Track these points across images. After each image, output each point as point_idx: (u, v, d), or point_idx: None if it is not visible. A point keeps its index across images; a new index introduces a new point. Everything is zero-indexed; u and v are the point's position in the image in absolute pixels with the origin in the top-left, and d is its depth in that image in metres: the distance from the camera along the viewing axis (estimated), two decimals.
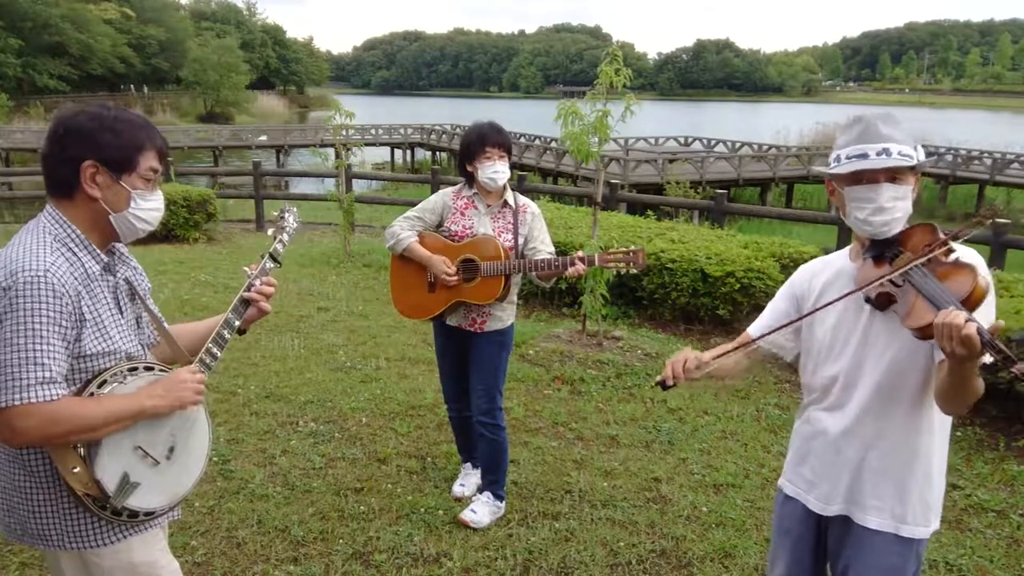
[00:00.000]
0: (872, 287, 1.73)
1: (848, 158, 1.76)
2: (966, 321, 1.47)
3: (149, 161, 1.69)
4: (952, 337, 1.48)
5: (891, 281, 1.69)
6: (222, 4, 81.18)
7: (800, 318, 1.91)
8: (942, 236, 1.70)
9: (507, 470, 3.56)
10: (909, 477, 1.82)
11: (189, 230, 10.55)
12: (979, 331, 1.45)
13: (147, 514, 1.69)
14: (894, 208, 1.75)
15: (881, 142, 1.73)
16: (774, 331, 1.95)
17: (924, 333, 1.58)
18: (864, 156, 1.74)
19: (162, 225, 10.02)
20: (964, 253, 1.69)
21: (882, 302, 1.74)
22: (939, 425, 1.83)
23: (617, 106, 5.51)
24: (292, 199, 15.09)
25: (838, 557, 1.95)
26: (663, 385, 1.89)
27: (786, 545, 2.05)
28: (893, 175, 1.74)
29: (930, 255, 1.65)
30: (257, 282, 1.91)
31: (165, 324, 1.94)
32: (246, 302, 1.89)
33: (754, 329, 2.08)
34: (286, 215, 2.13)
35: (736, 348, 1.96)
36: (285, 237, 2.07)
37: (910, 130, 1.78)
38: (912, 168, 1.75)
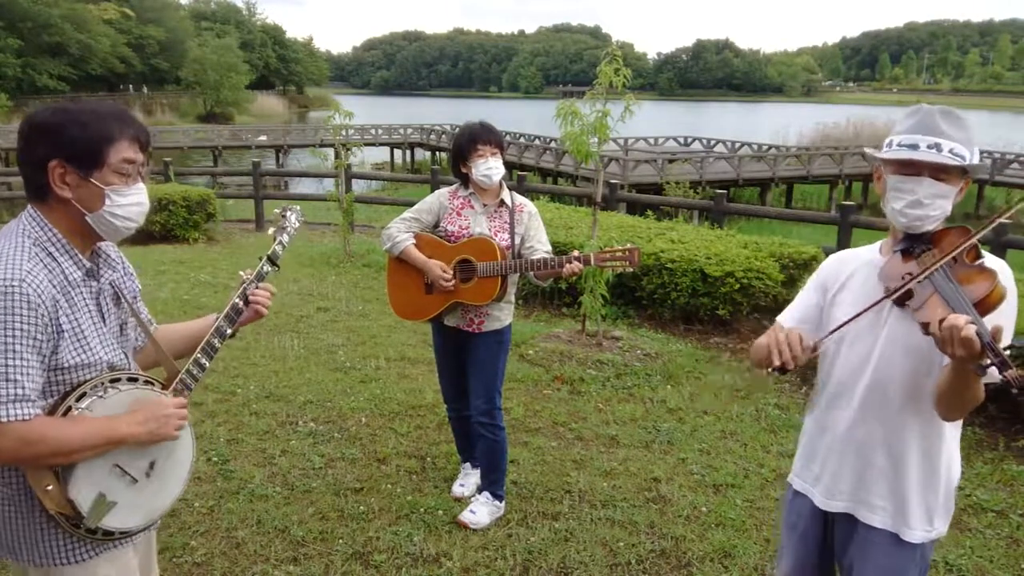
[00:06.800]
0: (896, 293, 1.70)
1: (899, 145, 1.72)
2: (967, 323, 1.46)
3: (122, 152, 1.56)
4: (953, 339, 1.48)
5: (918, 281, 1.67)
6: (222, 4, 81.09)
7: (836, 328, 1.83)
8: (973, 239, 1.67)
9: (506, 470, 3.55)
10: (915, 479, 1.81)
11: (188, 230, 10.55)
12: (979, 333, 1.45)
13: (122, 533, 1.63)
14: (932, 205, 1.71)
15: (935, 136, 1.68)
16: (838, 328, 1.84)
17: (928, 329, 1.57)
18: (914, 147, 1.69)
19: (161, 225, 10.20)
20: (991, 260, 1.68)
21: (900, 297, 1.73)
22: (950, 430, 1.81)
23: (617, 106, 5.51)
24: (292, 199, 15.07)
25: (843, 555, 1.95)
26: (783, 370, 1.78)
27: (793, 540, 2.04)
28: (938, 171, 1.69)
29: (954, 253, 1.63)
30: (253, 287, 1.86)
31: (155, 325, 1.88)
32: (239, 310, 1.83)
33: (786, 322, 2.03)
34: (288, 214, 2.07)
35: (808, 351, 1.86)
36: (285, 238, 2.02)
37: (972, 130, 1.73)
38: (963, 170, 1.70)
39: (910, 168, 1.72)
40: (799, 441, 2.09)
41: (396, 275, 3.41)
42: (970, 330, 1.45)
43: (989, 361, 1.45)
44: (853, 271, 1.91)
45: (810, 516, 1.99)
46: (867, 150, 1.87)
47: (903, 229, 1.78)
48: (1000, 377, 1.42)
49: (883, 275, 1.79)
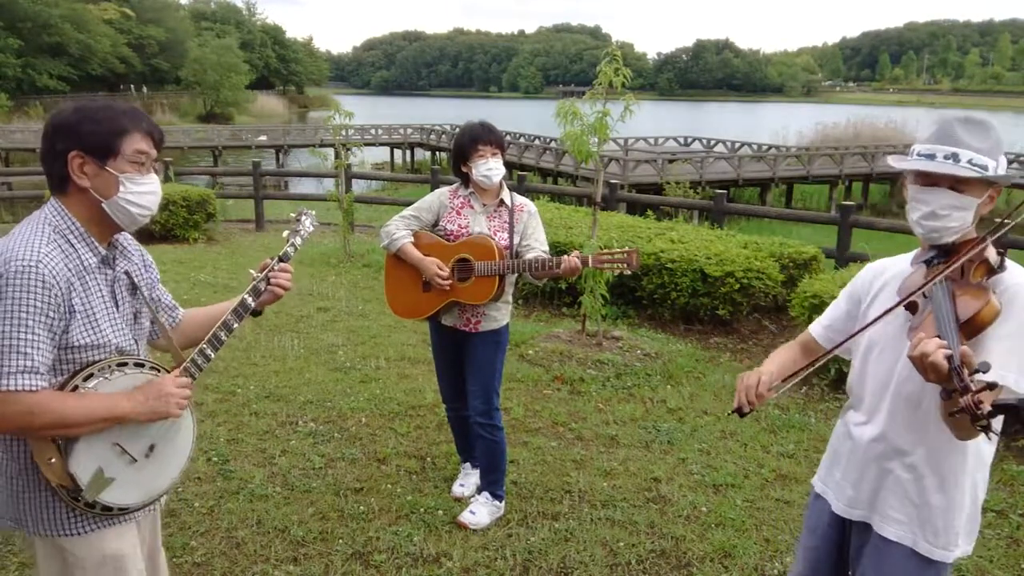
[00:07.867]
0: (907, 300, 1.70)
1: (918, 155, 1.70)
2: (937, 348, 1.44)
3: (135, 144, 1.68)
4: (923, 364, 1.46)
5: (923, 294, 1.65)
6: (222, 4, 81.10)
7: (858, 331, 1.85)
8: (993, 255, 1.63)
9: (506, 470, 3.55)
10: (935, 495, 1.77)
11: (189, 230, 10.55)
12: (949, 357, 1.42)
13: (120, 510, 1.72)
14: (948, 216, 1.67)
15: (953, 146, 1.65)
16: (845, 341, 1.90)
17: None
18: (931, 157, 1.67)
19: (161, 225, 10.20)
20: (1011, 275, 1.64)
21: (910, 308, 1.72)
22: (977, 447, 1.76)
23: (616, 106, 5.52)
24: (292, 199, 15.08)
25: (858, 564, 1.93)
26: (740, 413, 1.87)
27: (810, 542, 2.04)
28: (956, 182, 1.65)
29: (955, 265, 1.61)
30: (264, 285, 1.94)
31: (180, 310, 2.00)
32: (247, 306, 1.91)
33: (815, 329, 2.05)
34: (303, 218, 2.13)
35: (810, 365, 1.92)
36: (298, 240, 2.07)
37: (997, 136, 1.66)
38: (987, 181, 1.66)
39: (927, 179, 1.70)
40: (828, 444, 2.07)
41: (394, 273, 3.41)
42: (938, 356, 1.43)
43: (954, 386, 1.40)
44: (885, 283, 1.89)
45: (829, 520, 1.98)
46: (890, 159, 1.83)
47: (922, 240, 1.77)
48: (960, 403, 1.36)
49: (902, 288, 1.76)
